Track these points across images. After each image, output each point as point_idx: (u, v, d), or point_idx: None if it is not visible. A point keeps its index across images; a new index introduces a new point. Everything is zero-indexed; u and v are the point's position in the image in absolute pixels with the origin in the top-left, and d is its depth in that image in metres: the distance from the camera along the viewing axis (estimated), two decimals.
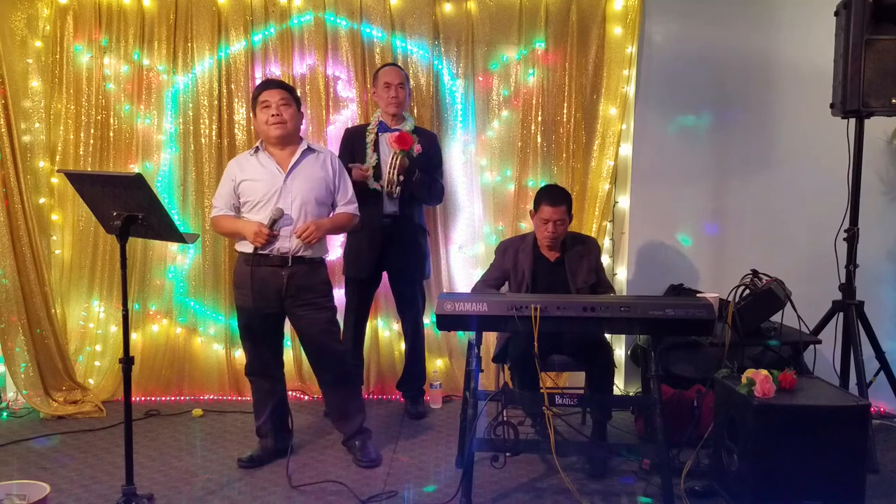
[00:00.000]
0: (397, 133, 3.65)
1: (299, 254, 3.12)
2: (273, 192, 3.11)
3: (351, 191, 3.31)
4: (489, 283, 3.44)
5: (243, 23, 4.07)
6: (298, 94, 3.35)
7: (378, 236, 3.71)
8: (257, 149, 3.21)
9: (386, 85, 3.73)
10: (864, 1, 3.20)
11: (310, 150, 3.23)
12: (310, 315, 3.18)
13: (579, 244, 3.44)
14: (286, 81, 3.75)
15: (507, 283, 3.46)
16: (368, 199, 3.62)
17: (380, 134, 3.74)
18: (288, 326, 3.63)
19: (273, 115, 3.13)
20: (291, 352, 4.12)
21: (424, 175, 3.71)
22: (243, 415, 3.89)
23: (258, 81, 4.08)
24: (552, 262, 3.39)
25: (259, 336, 3.22)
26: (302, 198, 3.13)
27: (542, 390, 2.81)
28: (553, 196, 3.33)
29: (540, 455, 3.23)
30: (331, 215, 3.26)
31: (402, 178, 3.62)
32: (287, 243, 3.10)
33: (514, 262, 3.38)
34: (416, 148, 3.67)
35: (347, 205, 3.28)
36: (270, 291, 3.13)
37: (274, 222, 3.06)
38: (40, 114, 4.07)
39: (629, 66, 4.08)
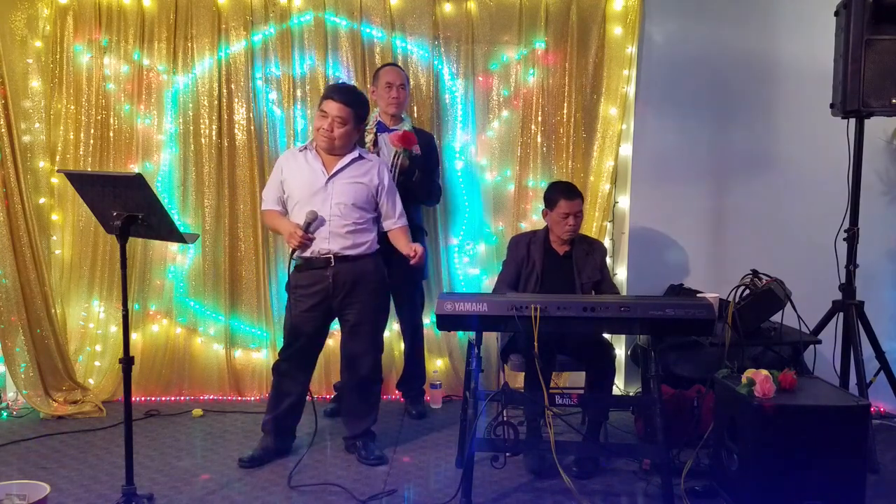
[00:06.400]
0: (401, 132, 3.64)
1: (342, 253, 3.12)
2: (313, 193, 3.12)
3: (399, 204, 3.28)
4: (510, 283, 3.46)
5: (243, 23, 4.06)
6: (365, 101, 3.24)
7: None
8: (306, 147, 3.21)
9: (388, 85, 3.72)
10: (864, 1, 3.20)
11: (360, 157, 3.21)
12: (356, 315, 3.19)
13: (586, 244, 3.54)
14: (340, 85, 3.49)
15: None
16: None
17: (378, 133, 3.74)
18: None
19: (324, 129, 3.10)
20: None
21: (423, 175, 3.70)
22: (243, 415, 3.89)
23: (258, 81, 4.10)
24: (561, 255, 3.48)
25: (299, 340, 3.19)
26: (341, 200, 3.12)
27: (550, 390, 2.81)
28: (570, 191, 3.46)
29: (538, 455, 3.22)
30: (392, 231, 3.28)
31: (402, 177, 3.62)
32: (326, 244, 3.10)
33: (526, 254, 3.47)
34: (416, 149, 3.66)
35: (399, 218, 3.27)
36: (317, 294, 3.14)
37: (308, 225, 3.07)
38: (40, 114, 4.06)
39: (629, 66, 4.08)
